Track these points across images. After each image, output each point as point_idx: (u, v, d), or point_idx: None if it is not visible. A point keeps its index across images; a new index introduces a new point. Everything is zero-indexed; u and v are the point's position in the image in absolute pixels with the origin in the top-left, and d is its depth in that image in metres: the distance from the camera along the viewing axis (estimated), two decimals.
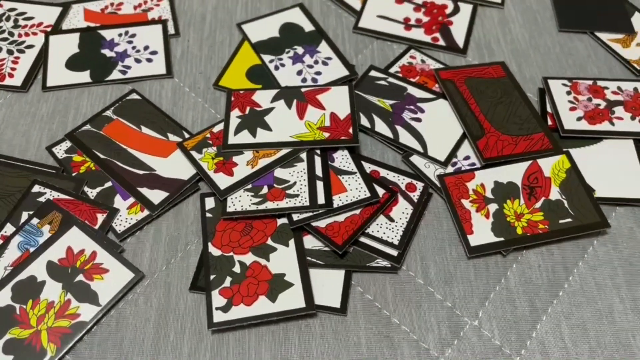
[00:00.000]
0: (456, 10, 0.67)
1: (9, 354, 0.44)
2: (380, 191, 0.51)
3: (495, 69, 0.60)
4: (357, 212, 0.49)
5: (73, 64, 0.61)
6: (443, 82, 0.58)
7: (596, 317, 0.46)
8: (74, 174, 0.53)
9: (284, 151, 0.52)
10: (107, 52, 0.62)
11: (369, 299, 0.47)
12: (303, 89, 0.57)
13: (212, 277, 0.47)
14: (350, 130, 0.53)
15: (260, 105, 0.56)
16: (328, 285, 0.47)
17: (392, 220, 0.50)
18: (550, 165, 0.53)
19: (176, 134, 0.56)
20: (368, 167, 0.53)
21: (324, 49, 0.62)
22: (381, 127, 0.56)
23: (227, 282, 0.46)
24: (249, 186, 0.51)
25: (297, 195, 0.49)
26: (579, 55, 0.63)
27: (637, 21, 0.66)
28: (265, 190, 0.50)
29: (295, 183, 0.50)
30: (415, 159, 0.54)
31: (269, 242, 0.49)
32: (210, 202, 0.51)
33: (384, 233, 0.49)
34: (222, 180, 0.51)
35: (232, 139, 0.53)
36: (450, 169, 0.54)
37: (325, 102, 0.55)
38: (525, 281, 0.48)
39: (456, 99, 0.57)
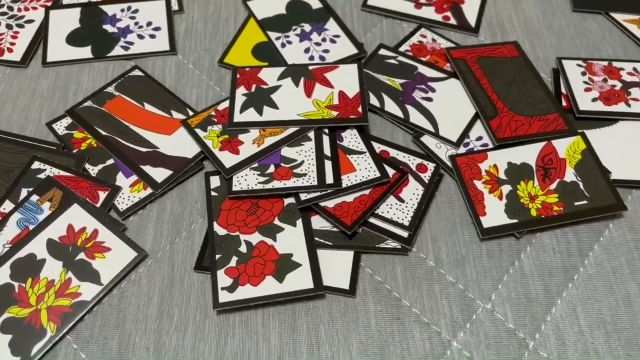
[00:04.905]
0: None
1: (7, 333, 0.42)
2: (390, 171, 0.49)
3: (508, 49, 0.58)
4: (367, 192, 0.48)
5: (74, 39, 0.59)
6: (455, 61, 0.57)
7: (612, 301, 0.45)
8: (74, 151, 0.51)
9: (291, 130, 0.51)
10: (109, 28, 0.60)
11: (378, 280, 0.46)
12: (310, 67, 0.55)
13: (217, 256, 0.45)
14: (360, 109, 0.51)
15: (267, 83, 0.54)
16: (336, 266, 0.46)
17: (402, 201, 0.48)
18: (565, 146, 0.51)
19: (180, 111, 0.54)
20: (377, 147, 0.52)
21: (331, 26, 0.61)
22: (391, 106, 0.54)
23: (233, 261, 0.45)
24: (255, 165, 0.49)
25: (304, 175, 0.48)
26: (593, 35, 0.62)
27: None
28: (271, 169, 0.49)
29: (303, 162, 0.49)
30: (426, 139, 0.53)
31: (276, 221, 0.47)
32: (215, 181, 0.50)
33: (394, 214, 0.48)
34: (228, 159, 0.49)
35: (238, 117, 0.52)
36: (462, 150, 0.52)
37: (333, 81, 0.54)
38: (539, 264, 0.47)
39: (468, 78, 0.55)
